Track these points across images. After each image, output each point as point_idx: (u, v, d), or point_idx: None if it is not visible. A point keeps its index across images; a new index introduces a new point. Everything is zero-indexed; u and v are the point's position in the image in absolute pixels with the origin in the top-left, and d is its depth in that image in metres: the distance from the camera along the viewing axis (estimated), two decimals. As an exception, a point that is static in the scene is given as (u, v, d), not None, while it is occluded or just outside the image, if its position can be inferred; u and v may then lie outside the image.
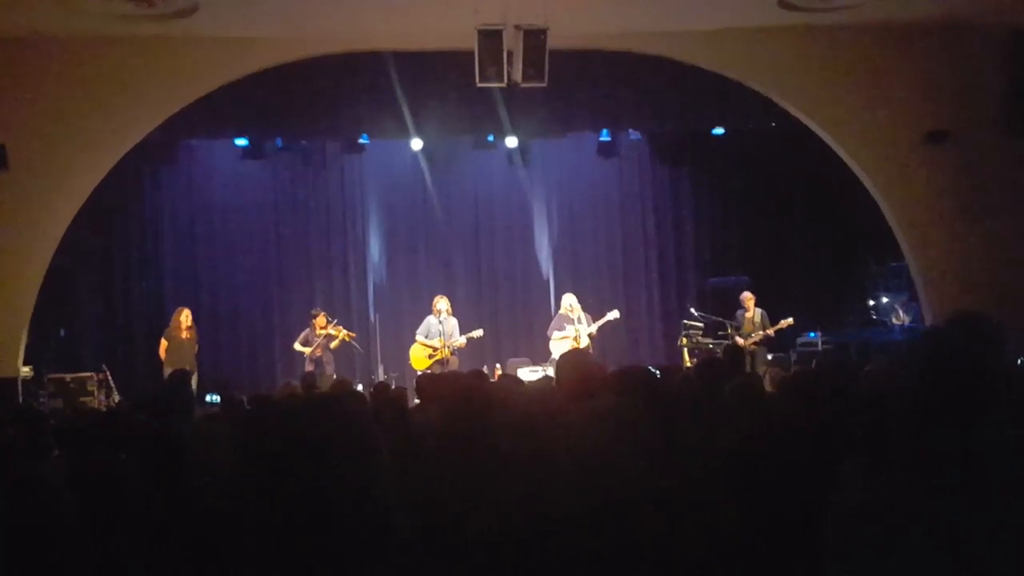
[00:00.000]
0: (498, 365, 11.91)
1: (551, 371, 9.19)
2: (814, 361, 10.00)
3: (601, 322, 11.28)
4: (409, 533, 2.08)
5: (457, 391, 3.18)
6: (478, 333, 11.30)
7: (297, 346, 11.54)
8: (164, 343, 11.02)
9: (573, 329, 11.13)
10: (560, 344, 11.07)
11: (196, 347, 11.13)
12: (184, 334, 10.97)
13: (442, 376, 7.74)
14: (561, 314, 11.39)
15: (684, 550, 2.34)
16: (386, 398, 5.02)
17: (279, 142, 12.76)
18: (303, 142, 12.90)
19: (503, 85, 9.79)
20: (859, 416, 3.15)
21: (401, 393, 5.77)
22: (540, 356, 11.70)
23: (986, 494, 1.67)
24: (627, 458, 2.34)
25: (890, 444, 1.76)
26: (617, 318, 11.40)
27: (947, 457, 1.70)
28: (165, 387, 5.54)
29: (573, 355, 3.96)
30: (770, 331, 11.17)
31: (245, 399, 6.05)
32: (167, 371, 10.69)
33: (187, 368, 10.55)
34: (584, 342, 11.04)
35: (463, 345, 11.13)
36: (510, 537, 2.22)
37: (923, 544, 1.68)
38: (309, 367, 11.01)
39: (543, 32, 9.33)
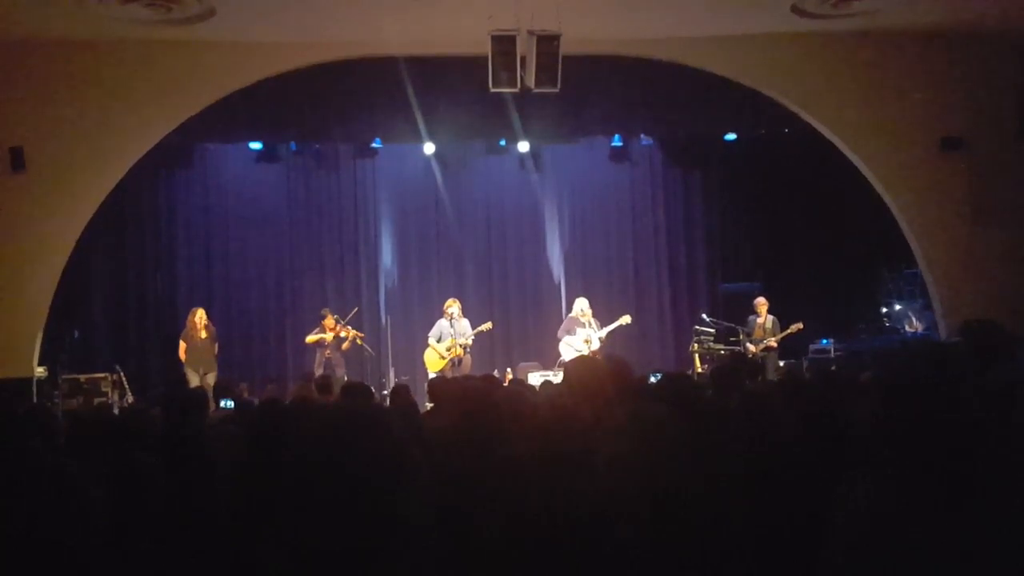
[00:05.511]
0: (508, 369, 11.94)
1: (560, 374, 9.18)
2: (805, 368, 9.91)
3: (612, 327, 11.33)
4: (423, 536, 2.10)
5: (472, 398, 3.17)
6: (487, 326, 11.35)
7: (309, 337, 11.59)
8: (183, 344, 11.06)
9: (584, 333, 11.17)
10: (570, 347, 11.12)
11: (216, 346, 11.19)
12: (201, 333, 11.02)
13: (455, 380, 7.77)
14: (572, 317, 11.45)
15: (695, 552, 2.36)
16: (403, 403, 5.06)
17: (293, 146, 12.84)
18: (316, 146, 12.95)
19: (516, 90, 9.80)
20: (862, 427, 3.15)
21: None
22: (550, 360, 11.71)
23: (986, 505, 1.68)
24: (669, 464, 2.34)
25: (892, 455, 1.77)
26: (628, 323, 11.44)
27: (947, 468, 1.71)
28: (180, 388, 5.57)
29: (592, 361, 3.86)
30: (772, 342, 11.11)
31: (256, 402, 6.09)
32: (187, 372, 10.80)
33: (205, 368, 10.71)
34: (595, 346, 11.09)
35: (472, 342, 11.22)
36: (525, 541, 2.23)
37: (924, 553, 1.69)
38: (319, 370, 11.06)
39: (556, 38, 9.35)
